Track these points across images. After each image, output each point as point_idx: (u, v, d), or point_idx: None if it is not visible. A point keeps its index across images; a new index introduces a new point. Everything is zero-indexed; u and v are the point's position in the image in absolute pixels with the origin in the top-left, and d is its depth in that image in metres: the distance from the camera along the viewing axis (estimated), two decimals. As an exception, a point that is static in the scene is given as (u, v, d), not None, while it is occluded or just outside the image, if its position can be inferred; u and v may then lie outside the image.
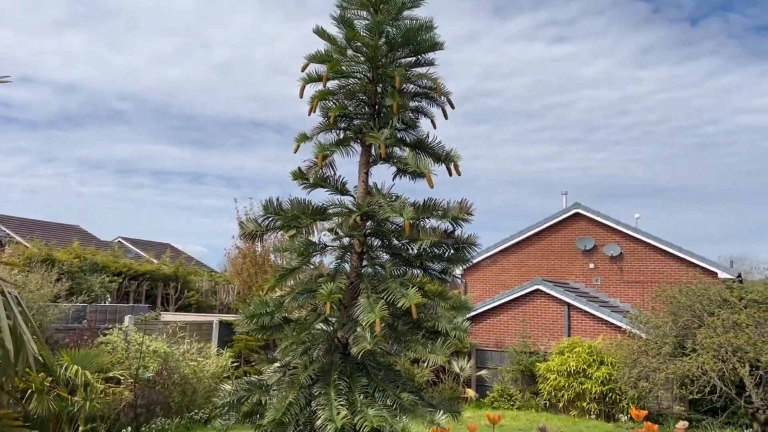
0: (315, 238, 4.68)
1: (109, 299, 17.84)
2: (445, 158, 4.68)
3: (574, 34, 56.36)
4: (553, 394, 16.56)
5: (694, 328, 15.01)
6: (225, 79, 62.12)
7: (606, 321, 18.11)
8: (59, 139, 69.20)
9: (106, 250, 22.32)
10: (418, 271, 4.74)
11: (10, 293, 2.68)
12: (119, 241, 31.93)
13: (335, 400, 3.90)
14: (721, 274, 19.38)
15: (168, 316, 15.10)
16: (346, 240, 4.77)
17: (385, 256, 4.84)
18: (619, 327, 17.56)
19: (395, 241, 4.74)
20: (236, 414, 4.38)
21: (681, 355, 14.61)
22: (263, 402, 4.18)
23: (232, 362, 13.66)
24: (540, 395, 16.98)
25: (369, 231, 4.75)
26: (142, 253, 29.19)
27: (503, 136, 72.09)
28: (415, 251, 4.63)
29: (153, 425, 11.17)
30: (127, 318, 12.23)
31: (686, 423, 4.91)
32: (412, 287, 4.08)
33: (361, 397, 3.98)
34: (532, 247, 22.83)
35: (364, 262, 4.72)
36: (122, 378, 10.59)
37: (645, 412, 5.65)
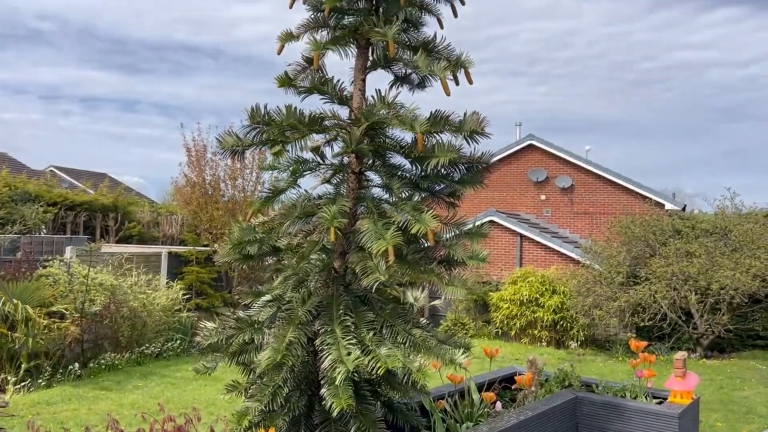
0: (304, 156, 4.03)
1: (44, 231, 16.70)
2: (456, 64, 4.03)
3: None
4: (505, 322, 16.77)
5: (647, 257, 15.31)
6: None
7: (557, 251, 18.32)
8: (-26, 60, 64.13)
9: (38, 179, 20.85)
10: (423, 195, 4.16)
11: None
12: (51, 171, 30.00)
13: (343, 338, 3.40)
14: (668, 206, 19.81)
15: (110, 248, 14.23)
16: (336, 160, 4.13)
17: (377, 179, 4.25)
18: (570, 257, 17.79)
19: (398, 160, 4.14)
20: (224, 355, 3.83)
21: (633, 284, 14.93)
22: (255, 340, 3.65)
23: (184, 294, 13.02)
24: (492, 323, 17.19)
25: (368, 148, 4.09)
26: (77, 183, 27.50)
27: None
28: (423, 172, 4.05)
29: (102, 360, 10.52)
30: (68, 249, 11.32)
31: (685, 353, 4.71)
32: (427, 211, 3.53)
33: (370, 334, 3.50)
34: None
35: (363, 184, 4.12)
36: (67, 312, 9.84)
37: (644, 343, 5.46)
